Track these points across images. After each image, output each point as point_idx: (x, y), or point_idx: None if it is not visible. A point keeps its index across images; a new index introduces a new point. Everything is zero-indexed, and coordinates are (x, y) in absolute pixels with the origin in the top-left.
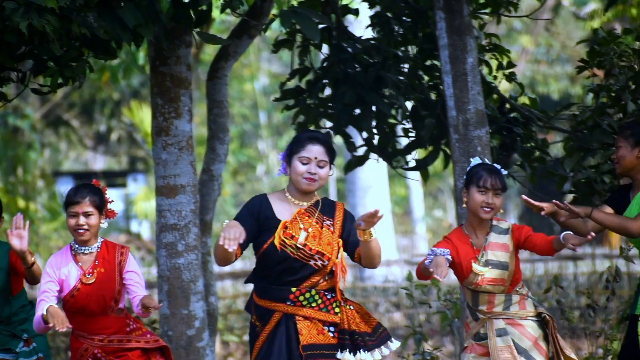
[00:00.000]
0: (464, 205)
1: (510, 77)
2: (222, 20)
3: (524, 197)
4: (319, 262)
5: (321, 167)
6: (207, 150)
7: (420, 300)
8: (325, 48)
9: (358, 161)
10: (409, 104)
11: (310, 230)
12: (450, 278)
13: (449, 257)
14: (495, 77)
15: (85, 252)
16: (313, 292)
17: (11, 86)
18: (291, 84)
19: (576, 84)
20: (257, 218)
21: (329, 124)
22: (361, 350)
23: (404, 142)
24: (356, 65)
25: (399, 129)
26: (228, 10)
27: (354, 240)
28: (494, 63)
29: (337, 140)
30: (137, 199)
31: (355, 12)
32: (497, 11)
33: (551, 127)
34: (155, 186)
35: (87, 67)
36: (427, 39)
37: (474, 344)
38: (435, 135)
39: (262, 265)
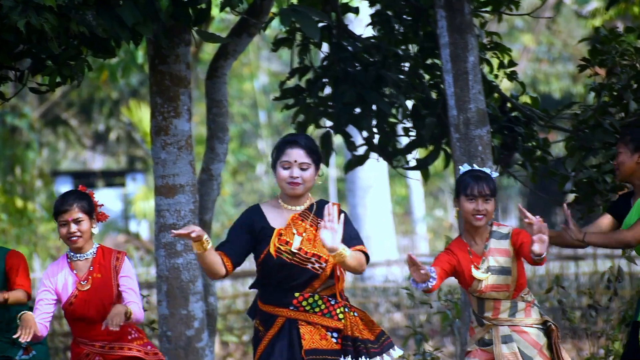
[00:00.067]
0: (455, 216)
1: (512, 76)
2: (222, 19)
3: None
4: (317, 265)
5: (304, 170)
6: (207, 150)
7: (421, 301)
8: (325, 47)
9: (358, 161)
10: (409, 103)
11: (304, 234)
12: (450, 278)
13: (434, 275)
14: (496, 76)
15: (81, 258)
16: (316, 297)
17: (9, 85)
18: (291, 82)
19: (578, 82)
20: (251, 230)
21: (329, 123)
22: (363, 357)
23: (404, 141)
24: (356, 64)
25: (400, 128)
26: (227, 9)
27: (348, 244)
28: (495, 62)
29: (337, 139)
30: (136, 198)
31: (356, 11)
32: (498, 9)
33: (553, 127)
34: (154, 186)
35: (86, 65)
36: (428, 37)
37: (478, 350)
38: (436, 134)
39: (263, 274)
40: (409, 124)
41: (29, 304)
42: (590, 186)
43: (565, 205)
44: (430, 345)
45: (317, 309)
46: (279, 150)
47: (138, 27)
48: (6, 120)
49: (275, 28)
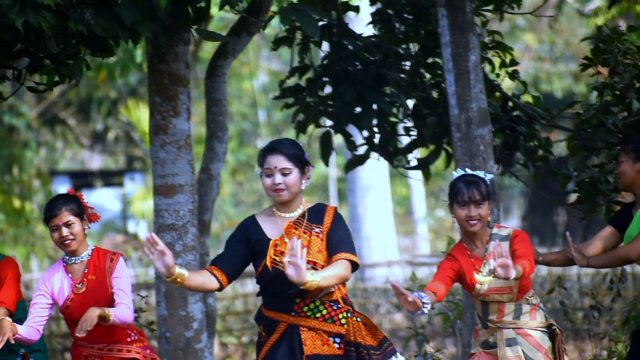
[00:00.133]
0: (452, 222)
1: (513, 75)
2: (221, 18)
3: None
4: (313, 272)
5: (285, 175)
6: (206, 149)
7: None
8: (325, 45)
9: (359, 160)
10: (410, 102)
11: (288, 239)
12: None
13: (426, 302)
14: (498, 75)
15: (76, 261)
16: (317, 302)
17: (7, 84)
18: (291, 82)
19: (580, 82)
20: (247, 242)
21: (329, 122)
22: None
23: (405, 140)
24: (357, 63)
25: (400, 128)
26: (227, 7)
27: (331, 248)
28: (496, 61)
29: (338, 139)
30: (135, 198)
31: (356, 9)
32: (500, 8)
33: (555, 126)
34: (153, 185)
35: (84, 64)
36: (429, 36)
37: (482, 352)
38: (437, 134)
39: (262, 285)
40: (409, 124)
41: (25, 306)
42: (592, 186)
43: (567, 233)
44: (432, 346)
45: (318, 315)
46: (260, 159)
47: (137, 25)
48: (4, 120)
49: (275, 27)
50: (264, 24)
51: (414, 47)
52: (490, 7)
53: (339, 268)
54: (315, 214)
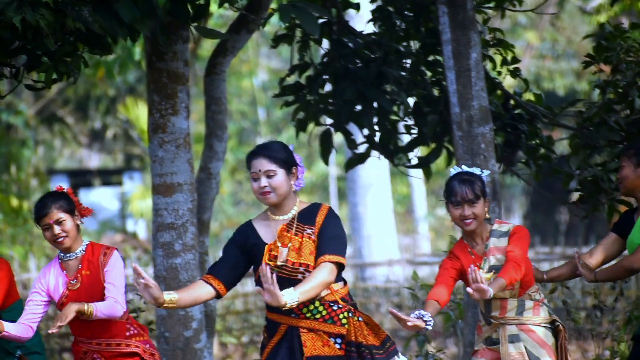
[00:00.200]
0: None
1: (515, 73)
2: (220, 15)
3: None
4: (307, 274)
5: (270, 177)
6: (205, 148)
7: (423, 301)
8: (325, 43)
9: (359, 159)
10: (411, 100)
11: (290, 244)
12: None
13: (429, 320)
14: (499, 73)
15: (71, 258)
16: (317, 303)
17: (4, 82)
18: (290, 79)
19: (582, 79)
20: (244, 248)
21: (329, 120)
22: None
23: (406, 139)
24: (357, 61)
25: (401, 126)
26: (226, 5)
27: (318, 249)
28: (498, 58)
29: (338, 137)
30: (133, 197)
31: (356, 7)
32: (502, 5)
33: (557, 124)
34: (152, 184)
35: (82, 62)
36: (430, 33)
37: (485, 349)
38: (438, 132)
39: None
40: (410, 122)
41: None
42: (594, 185)
43: (576, 252)
44: (433, 346)
45: (318, 316)
46: (246, 163)
47: (135, 23)
48: (1, 118)
49: (274, 24)
50: (263, 22)
51: (414, 45)
52: (491, 4)
53: (321, 274)
54: (308, 215)
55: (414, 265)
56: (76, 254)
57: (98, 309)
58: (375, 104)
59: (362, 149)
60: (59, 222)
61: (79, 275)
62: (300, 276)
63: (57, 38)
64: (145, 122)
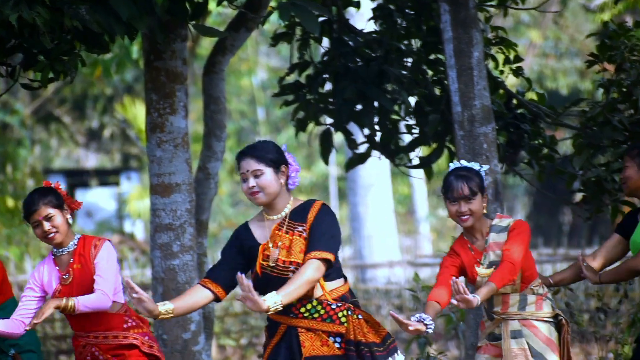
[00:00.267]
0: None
1: (518, 72)
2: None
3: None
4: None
5: (258, 177)
6: (203, 148)
7: (424, 303)
8: (325, 41)
9: (359, 159)
10: (412, 100)
11: (280, 243)
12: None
13: (429, 323)
14: (501, 72)
15: (64, 252)
16: (314, 302)
17: (0, 81)
18: (290, 78)
19: (586, 78)
20: (241, 250)
21: (329, 120)
22: None
23: (407, 138)
24: (357, 60)
25: (402, 125)
26: (225, 3)
27: (308, 246)
28: (500, 57)
29: (338, 137)
30: (131, 197)
31: (357, 5)
32: (504, 3)
33: (560, 124)
34: (150, 184)
35: (79, 61)
36: (431, 32)
37: (488, 344)
38: (439, 131)
39: (257, 290)
40: (411, 121)
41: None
42: (598, 185)
43: (580, 255)
44: (434, 349)
45: (316, 315)
46: (236, 166)
47: (133, 21)
48: None
49: (274, 22)
50: (262, 20)
51: (415, 43)
52: (493, 2)
53: (306, 273)
54: (300, 212)
55: (415, 266)
56: (68, 248)
57: (81, 302)
58: (375, 103)
59: (362, 148)
60: (48, 218)
61: (70, 269)
62: (291, 275)
63: (54, 36)
64: (143, 122)
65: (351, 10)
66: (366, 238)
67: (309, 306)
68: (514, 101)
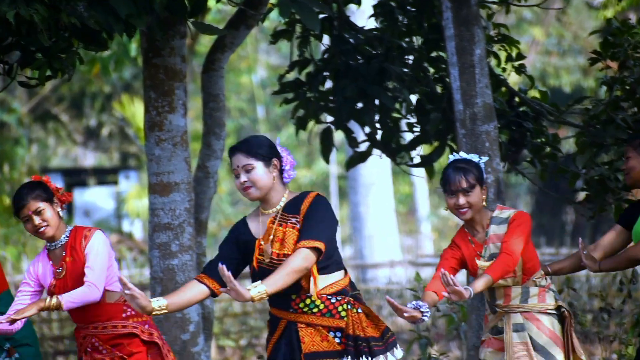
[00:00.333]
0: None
1: (520, 70)
2: (218, 10)
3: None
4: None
5: (249, 171)
6: (203, 146)
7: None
8: (326, 39)
9: (360, 157)
10: (413, 98)
11: (271, 237)
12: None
13: (425, 310)
14: (504, 70)
15: (57, 246)
16: (314, 297)
17: None
18: (290, 76)
19: (589, 76)
20: (237, 244)
21: (329, 118)
22: (363, 357)
23: (408, 137)
24: (358, 57)
25: (403, 124)
26: (224, 0)
27: (299, 236)
28: (502, 55)
29: (339, 135)
30: (129, 196)
31: (358, 2)
32: (506, 0)
33: (563, 122)
34: (148, 183)
35: (77, 58)
36: (433, 29)
37: (491, 338)
38: (441, 130)
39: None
40: (413, 119)
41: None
42: (601, 184)
43: (581, 242)
44: (436, 350)
45: (315, 310)
46: (230, 163)
47: (131, 18)
48: None
49: (274, 19)
50: (262, 17)
51: (417, 41)
52: None
53: (293, 261)
54: (293, 204)
55: (416, 266)
56: (61, 241)
57: (66, 299)
58: (376, 101)
59: (363, 147)
60: (37, 212)
61: (63, 263)
62: None
63: (52, 34)
64: (142, 120)
65: (352, 7)
66: (367, 238)
67: (308, 301)
68: (516, 99)
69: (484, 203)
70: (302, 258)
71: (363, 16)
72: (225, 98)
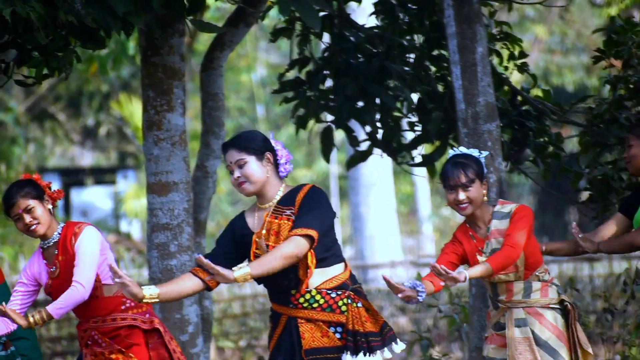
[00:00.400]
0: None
1: (523, 68)
2: (217, 8)
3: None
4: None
5: (242, 167)
6: (202, 146)
7: (427, 304)
8: (326, 37)
9: (361, 157)
10: (414, 96)
11: (263, 231)
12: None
13: (421, 290)
14: (506, 68)
15: (50, 244)
16: (313, 292)
17: None
18: (290, 75)
19: (592, 75)
20: (233, 238)
21: (330, 117)
22: (362, 353)
23: (409, 136)
24: (359, 55)
25: (404, 123)
26: None
27: (293, 225)
28: (505, 53)
29: (339, 134)
30: (127, 196)
31: None
32: None
33: (566, 121)
34: (146, 183)
35: (74, 57)
36: (434, 27)
37: (494, 334)
38: (442, 129)
39: (258, 280)
40: (414, 118)
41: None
42: (605, 184)
43: (574, 224)
44: (437, 351)
45: (315, 305)
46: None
47: (129, 16)
48: None
49: (273, 17)
50: (262, 15)
51: (418, 39)
52: None
53: (283, 247)
54: (289, 197)
55: (417, 267)
56: (53, 239)
57: (52, 309)
58: (377, 100)
59: (364, 146)
60: (28, 210)
61: (57, 262)
62: None
63: (49, 32)
64: (140, 119)
65: (352, 4)
66: (368, 238)
67: (307, 296)
68: (519, 98)
69: (485, 198)
70: (294, 245)
71: (364, 14)
72: (224, 97)
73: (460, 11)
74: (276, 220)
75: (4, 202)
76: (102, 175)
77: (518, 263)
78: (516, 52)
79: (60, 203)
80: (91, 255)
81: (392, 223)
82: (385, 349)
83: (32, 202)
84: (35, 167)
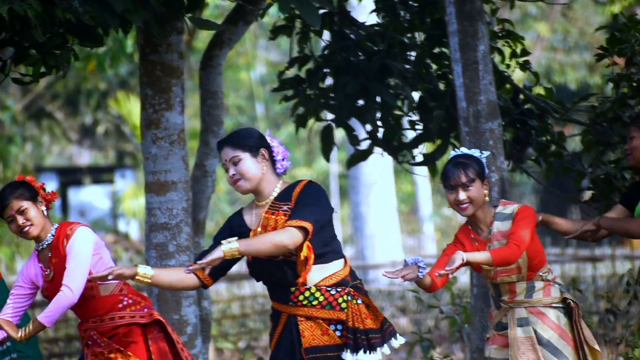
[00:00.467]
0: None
1: (525, 66)
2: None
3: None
4: (289, 253)
5: (237, 164)
6: (200, 145)
7: (428, 305)
8: (326, 35)
9: (361, 156)
10: (415, 95)
11: (260, 229)
12: (460, 280)
13: (422, 266)
14: (508, 66)
15: (44, 246)
16: (313, 289)
17: None
18: (290, 73)
19: (595, 73)
20: (231, 235)
21: (330, 115)
22: (362, 351)
23: (410, 135)
24: (359, 53)
25: (405, 121)
26: None
27: (289, 218)
28: (507, 51)
29: (339, 133)
30: (125, 196)
31: None
32: None
33: (568, 120)
34: (145, 182)
35: (72, 55)
36: (436, 24)
37: (496, 335)
38: (444, 127)
39: (254, 277)
40: (415, 117)
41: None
42: (607, 183)
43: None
44: (438, 352)
45: (315, 302)
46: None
47: (127, 14)
48: None
49: (273, 15)
50: (261, 12)
51: (419, 37)
52: None
53: (275, 234)
54: (285, 193)
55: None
56: (47, 241)
57: (43, 318)
58: (378, 99)
59: (364, 145)
60: (21, 212)
61: (51, 264)
62: (282, 256)
63: (46, 29)
64: (138, 118)
65: (353, 2)
66: (368, 238)
67: (307, 293)
68: (521, 96)
69: (487, 199)
70: (286, 234)
71: (364, 11)
72: (223, 95)
73: (461, 8)
74: (272, 217)
75: None
76: (99, 175)
77: (521, 265)
78: (518, 50)
79: (57, 202)
80: (82, 257)
81: (393, 222)
82: (385, 345)
83: (25, 204)
84: (32, 166)
